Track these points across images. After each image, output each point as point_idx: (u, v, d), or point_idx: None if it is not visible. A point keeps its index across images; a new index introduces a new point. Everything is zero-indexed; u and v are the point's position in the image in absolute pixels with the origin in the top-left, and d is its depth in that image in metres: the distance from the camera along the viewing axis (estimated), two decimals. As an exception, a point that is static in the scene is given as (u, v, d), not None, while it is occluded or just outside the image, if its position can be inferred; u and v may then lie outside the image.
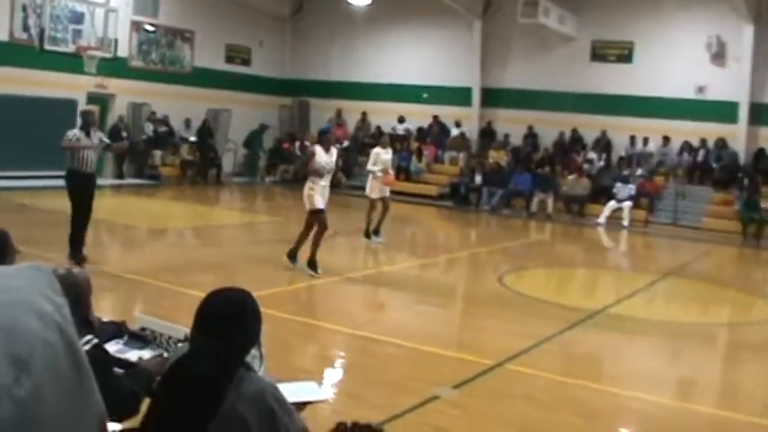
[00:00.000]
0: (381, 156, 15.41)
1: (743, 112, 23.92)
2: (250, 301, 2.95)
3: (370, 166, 15.61)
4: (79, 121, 11.71)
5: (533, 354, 8.40)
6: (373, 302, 10.81)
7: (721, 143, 24.23)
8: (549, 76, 26.23)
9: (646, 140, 25.05)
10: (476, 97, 27.80)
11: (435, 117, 28.17)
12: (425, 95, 28.44)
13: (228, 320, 2.84)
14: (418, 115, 28.34)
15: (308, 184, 11.52)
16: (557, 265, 15.86)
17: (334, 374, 7.53)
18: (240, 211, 21.51)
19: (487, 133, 27.43)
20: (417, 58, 28.40)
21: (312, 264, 11.50)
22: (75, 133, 10.83)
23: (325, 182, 11.55)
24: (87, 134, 10.84)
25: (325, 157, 11.55)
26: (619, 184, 23.21)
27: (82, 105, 19.65)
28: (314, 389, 4.05)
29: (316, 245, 11.57)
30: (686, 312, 12.35)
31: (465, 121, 27.71)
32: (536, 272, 14.67)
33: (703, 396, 8.05)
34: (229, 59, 29.00)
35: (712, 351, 10.10)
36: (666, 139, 24.92)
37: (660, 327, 10.77)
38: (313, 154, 11.61)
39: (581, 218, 23.20)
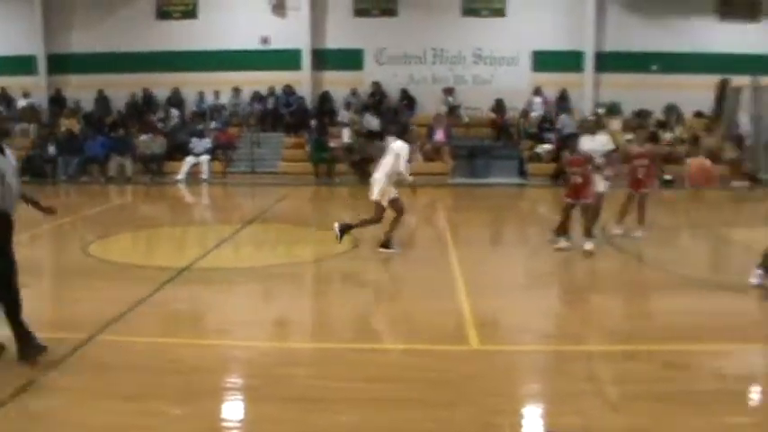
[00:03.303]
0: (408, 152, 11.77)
1: (306, 59, 25.28)
2: None
3: (402, 168, 11.60)
4: None
5: (128, 320, 8.19)
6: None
7: (289, 90, 25.38)
8: (115, 37, 25.67)
9: (217, 93, 25.45)
10: (41, 65, 26.45)
11: (2, 89, 26.29)
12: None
13: None
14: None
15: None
16: (141, 227, 15.62)
17: None
18: None
19: (57, 101, 26.36)
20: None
21: None
22: None
23: None
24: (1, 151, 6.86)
25: None
26: (194, 139, 23.34)
27: None
28: None
29: None
30: (273, 255, 12.79)
31: (33, 90, 26.28)
32: (121, 237, 14.29)
33: (300, 333, 8.40)
34: None
35: (302, 289, 10.51)
36: (237, 91, 25.54)
37: (250, 273, 11.00)
38: None
39: (161, 177, 23.03)
